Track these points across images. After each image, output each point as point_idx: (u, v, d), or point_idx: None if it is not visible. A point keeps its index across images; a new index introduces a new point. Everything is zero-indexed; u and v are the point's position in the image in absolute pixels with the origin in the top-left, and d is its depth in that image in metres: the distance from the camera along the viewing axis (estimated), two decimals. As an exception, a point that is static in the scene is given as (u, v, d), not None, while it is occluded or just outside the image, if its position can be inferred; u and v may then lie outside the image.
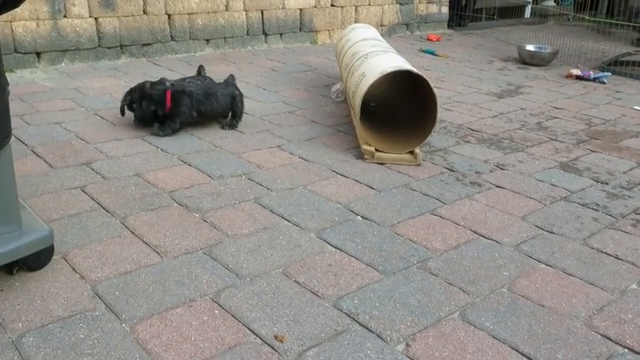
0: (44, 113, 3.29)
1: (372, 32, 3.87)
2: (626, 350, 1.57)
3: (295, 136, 3.12)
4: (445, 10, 7.01)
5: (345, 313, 1.66)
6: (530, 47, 5.49)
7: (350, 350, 1.52)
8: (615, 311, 1.73)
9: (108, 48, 4.59)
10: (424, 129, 2.80)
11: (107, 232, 2.04)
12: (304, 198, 2.38)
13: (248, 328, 1.58)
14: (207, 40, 5.14)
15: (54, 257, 1.84)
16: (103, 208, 2.21)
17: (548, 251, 2.05)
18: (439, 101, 2.73)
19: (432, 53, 5.65)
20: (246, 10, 5.31)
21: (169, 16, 4.86)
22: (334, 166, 2.73)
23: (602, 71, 5.02)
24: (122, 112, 3.07)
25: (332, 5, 5.89)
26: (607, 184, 2.68)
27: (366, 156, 2.80)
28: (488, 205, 2.41)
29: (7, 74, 1.75)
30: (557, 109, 3.93)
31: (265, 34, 5.51)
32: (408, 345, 1.55)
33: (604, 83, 4.71)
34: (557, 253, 2.04)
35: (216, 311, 1.65)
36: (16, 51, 4.17)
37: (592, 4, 8.07)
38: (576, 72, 4.87)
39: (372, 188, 2.51)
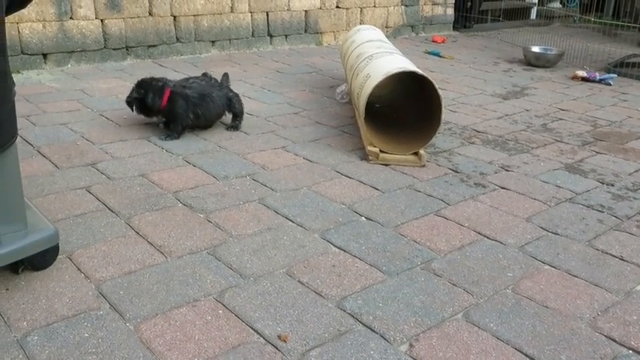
0: (50, 114, 3.31)
1: (377, 34, 3.87)
2: (630, 352, 1.56)
3: (300, 137, 3.13)
4: (450, 11, 7.01)
5: (349, 314, 1.66)
6: (535, 49, 5.47)
7: (353, 350, 1.52)
8: (620, 312, 1.73)
9: (114, 49, 4.61)
10: (429, 130, 2.80)
11: (112, 232, 2.05)
12: (308, 199, 2.39)
13: (252, 328, 1.59)
14: (213, 42, 5.16)
15: (59, 257, 1.85)
16: (108, 209, 2.22)
17: (552, 252, 2.05)
18: (444, 102, 2.73)
19: (437, 55, 5.65)
20: (251, 12, 5.32)
21: (175, 17, 4.88)
22: (338, 167, 2.73)
23: (608, 73, 5.01)
24: (131, 107, 3.08)
25: (337, 7, 5.90)
26: (612, 185, 2.67)
27: (370, 157, 2.80)
28: (493, 206, 2.40)
29: (13, 75, 1.76)
30: (563, 110, 3.92)
31: (270, 36, 5.52)
32: (411, 345, 1.55)
33: (610, 85, 4.69)
34: (562, 255, 2.04)
35: (220, 311, 1.65)
36: (22, 52, 4.19)
37: (598, 5, 8.05)
38: (582, 73, 4.85)
39: (377, 189, 2.51)
